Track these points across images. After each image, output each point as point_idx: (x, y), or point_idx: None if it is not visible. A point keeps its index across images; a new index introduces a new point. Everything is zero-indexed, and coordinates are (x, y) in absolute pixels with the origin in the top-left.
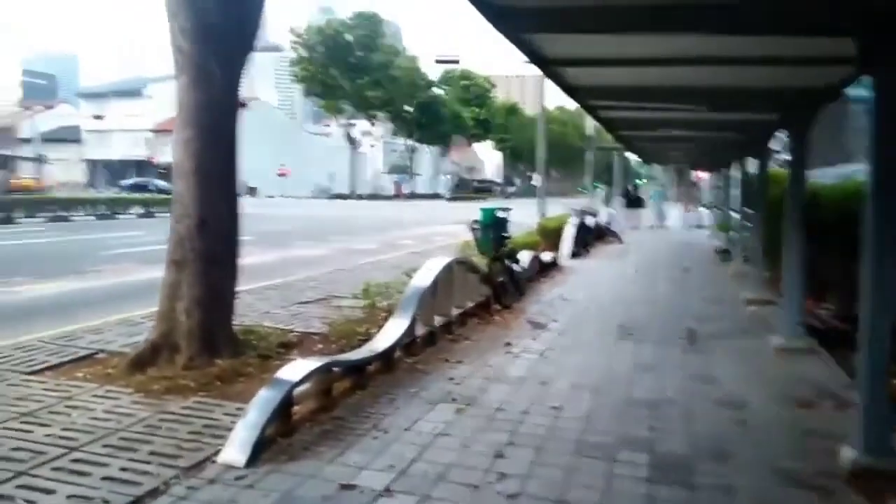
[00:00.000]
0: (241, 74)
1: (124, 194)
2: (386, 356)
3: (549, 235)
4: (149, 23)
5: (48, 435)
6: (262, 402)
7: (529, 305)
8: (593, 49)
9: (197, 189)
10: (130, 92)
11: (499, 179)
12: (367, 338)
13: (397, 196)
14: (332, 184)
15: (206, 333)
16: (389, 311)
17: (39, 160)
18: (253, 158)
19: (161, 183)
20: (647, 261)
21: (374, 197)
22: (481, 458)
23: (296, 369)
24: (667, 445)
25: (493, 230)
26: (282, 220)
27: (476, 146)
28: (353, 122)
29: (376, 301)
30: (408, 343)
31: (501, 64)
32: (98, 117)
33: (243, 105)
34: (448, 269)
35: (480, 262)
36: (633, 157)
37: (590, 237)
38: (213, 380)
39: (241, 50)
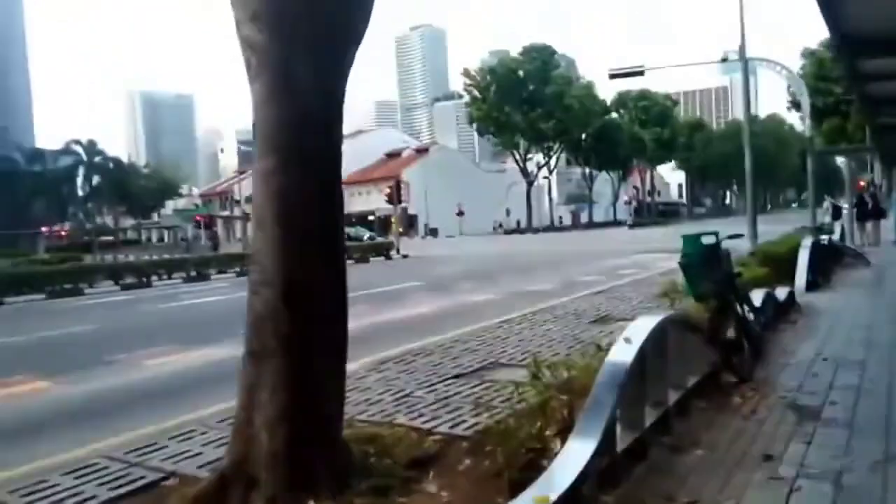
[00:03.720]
0: (343, 80)
1: None
2: (566, 501)
3: (774, 263)
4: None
5: None
6: None
7: (777, 373)
8: None
9: (282, 244)
10: None
11: (684, 201)
12: (540, 450)
13: (574, 226)
14: (509, 219)
15: (296, 459)
16: (571, 392)
17: (243, 218)
18: (434, 200)
19: (349, 230)
20: None
21: (549, 229)
22: None
23: None
24: None
25: (708, 266)
26: (455, 260)
27: (658, 169)
28: (528, 156)
29: (550, 381)
30: (605, 466)
31: (682, 80)
32: None
33: (423, 151)
34: (660, 333)
35: (696, 311)
36: (843, 161)
37: (828, 262)
38: None
39: (338, 45)
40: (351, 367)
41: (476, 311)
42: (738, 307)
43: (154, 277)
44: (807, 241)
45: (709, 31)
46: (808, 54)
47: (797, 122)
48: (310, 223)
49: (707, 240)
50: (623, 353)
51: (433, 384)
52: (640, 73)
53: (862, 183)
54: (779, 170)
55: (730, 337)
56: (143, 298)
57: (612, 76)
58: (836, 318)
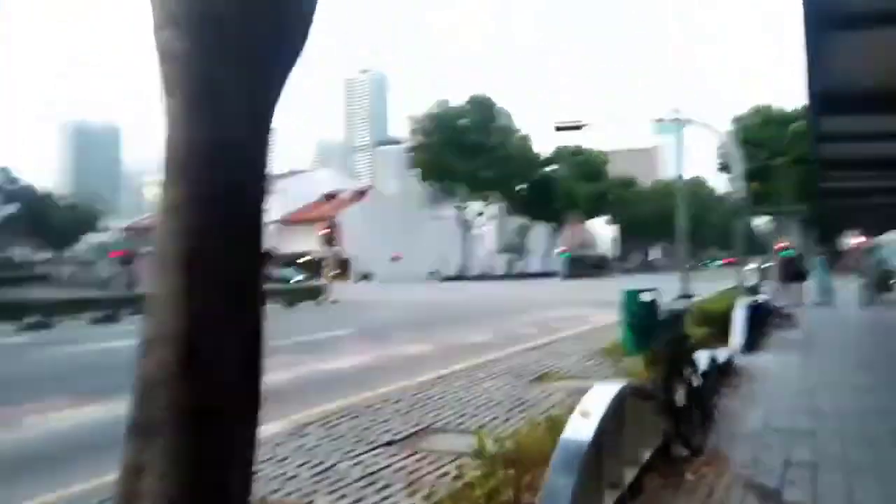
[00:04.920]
0: (273, 104)
1: None
2: None
3: (711, 323)
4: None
5: None
6: None
7: (729, 445)
8: None
9: (186, 294)
10: None
11: (611, 255)
12: None
13: (510, 276)
14: (446, 265)
15: None
16: (517, 465)
17: None
18: (370, 244)
19: (276, 272)
20: (858, 356)
21: (486, 277)
22: None
23: None
24: None
25: (658, 326)
26: (389, 306)
27: (590, 222)
28: (466, 203)
29: (494, 453)
30: None
31: (614, 139)
32: None
33: (362, 193)
34: (618, 404)
35: (637, 372)
36: (759, 222)
37: (762, 323)
38: None
39: (270, 61)
40: (267, 430)
41: (409, 365)
42: (686, 370)
43: (57, 318)
44: (742, 302)
45: (640, 96)
46: (737, 120)
47: (718, 185)
48: (223, 270)
49: (646, 296)
50: (581, 429)
51: (359, 454)
52: (579, 128)
53: (781, 245)
54: (700, 230)
55: (683, 405)
56: (38, 342)
57: (558, 128)
58: (776, 382)
